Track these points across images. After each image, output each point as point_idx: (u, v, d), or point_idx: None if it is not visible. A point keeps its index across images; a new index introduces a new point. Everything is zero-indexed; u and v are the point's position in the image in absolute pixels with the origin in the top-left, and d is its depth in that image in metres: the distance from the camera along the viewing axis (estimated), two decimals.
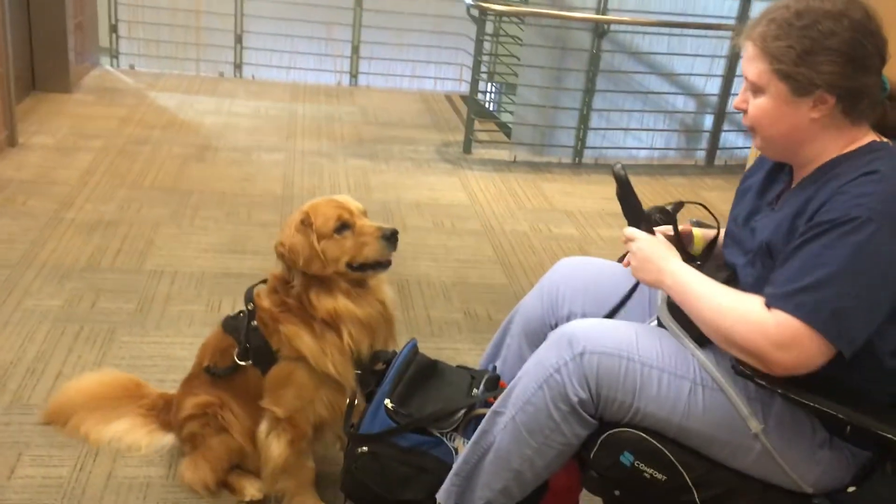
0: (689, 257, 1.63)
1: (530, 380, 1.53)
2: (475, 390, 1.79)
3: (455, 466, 1.65)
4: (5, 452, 2.19)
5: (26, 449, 2.22)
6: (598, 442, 1.49)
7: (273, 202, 4.18)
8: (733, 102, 1.56)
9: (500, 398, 1.59)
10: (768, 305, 1.36)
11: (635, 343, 1.49)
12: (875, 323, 1.33)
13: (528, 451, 1.53)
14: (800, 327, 1.32)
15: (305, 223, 1.86)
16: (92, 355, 2.70)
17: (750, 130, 1.51)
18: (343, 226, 1.86)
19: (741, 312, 1.38)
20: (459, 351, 2.87)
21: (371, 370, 1.88)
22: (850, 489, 1.43)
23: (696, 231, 1.74)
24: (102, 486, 2.14)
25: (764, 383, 1.37)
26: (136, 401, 2.32)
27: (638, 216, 1.62)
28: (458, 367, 1.94)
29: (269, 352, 1.89)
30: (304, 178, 4.59)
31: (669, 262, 1.53)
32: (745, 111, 1.50)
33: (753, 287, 1.46)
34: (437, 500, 1.69)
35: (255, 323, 1.93)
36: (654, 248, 1.55)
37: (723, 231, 1.72)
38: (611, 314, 1.72)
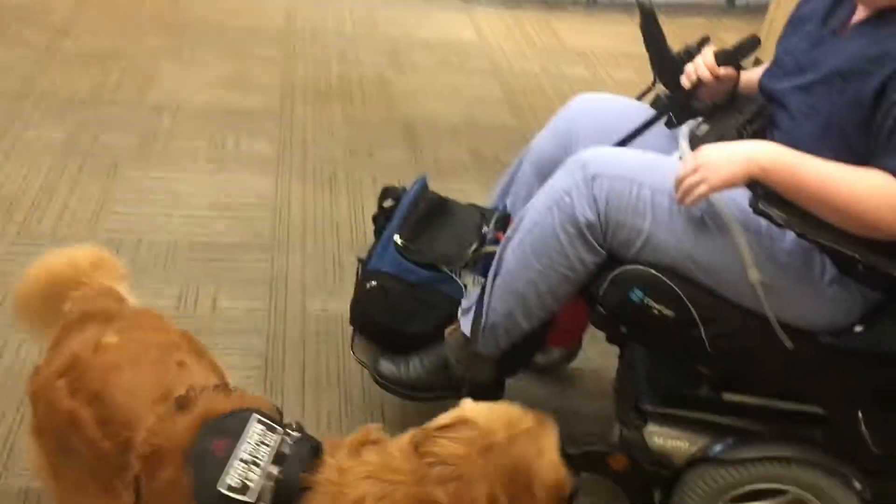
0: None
1: (541, 203, 1.52)
2: (485, 228, 1.78)
3: (469, 300, 1.66)
4: (7, 280, 2.21)
5: None
6: (608, 278, 1.49)
7: (275, 35, 4.02)
8: None
9: (511, 225, 1.58)
10: None
11: (649, 169, 1.46)
12: None
13: (533, 274, 1.53)
14: None
15: None
16: (96, 190, 2.69)
17: None
18: None
19: (888, 200, 1.29)
20: (467, 191, 2.85)
21: (380, 206, 1.86)
22: (858, 328, 1.44)
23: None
24: None
25: (781, 223, 1.34)
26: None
27: (662, 53, 1.54)
28: (468, 204, 1.92)
29: None
30: (308, 9, 4.40)
31: (751, 145, 1.37)
32: None
33: (806, 113, 1.41)
34: (445, 334, 1.73)
35: None
36: (719, 146, 1.39)
37: (749, 73, 1.64)
38: (624, 141, 1.66)
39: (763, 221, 1.40)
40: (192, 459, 1.11)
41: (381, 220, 1.84)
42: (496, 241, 1.71)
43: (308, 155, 3.05)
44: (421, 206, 1.81)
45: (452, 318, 1.72)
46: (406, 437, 1.14)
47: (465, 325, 1.67)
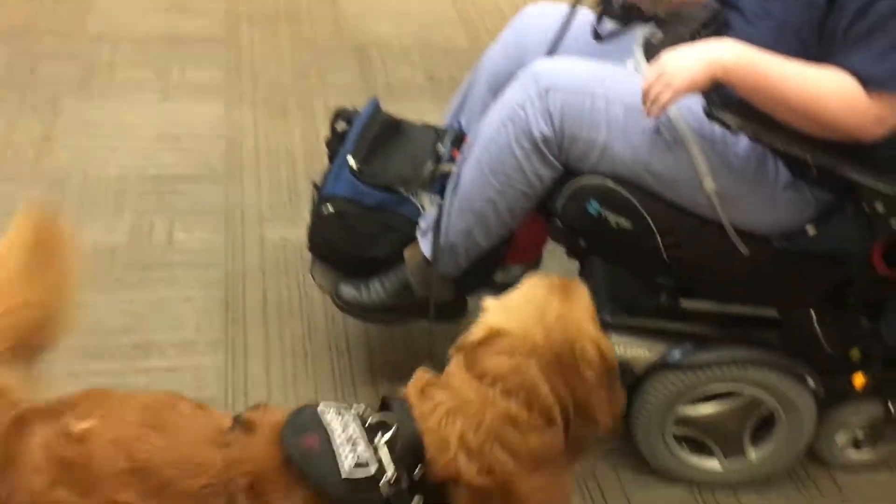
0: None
1: (495, 119, 1.50)
2: (440, 147, 1.75)
3: (427, 220, 1.65)
4: None
5: None
6: (565, 192, 1.48)
7: None
8: None
9: (467, 143, 1.56)
10: (870, 87, 1.30)
11: (603, 80, 1.45)
12: None
13: (491, 191, 1.52)
14: None
15: None
16: (37, 124, 2.59)
17: None
18: None
19: (847, 101, 1.30)
20: (421, 114, 2.76)
21: (332, 129, 1.82)
22: (810, 230, 1.46)
23: None
24: None
25: (735, 127, 1.34)
26: None
27: None
28: (422, 124, 1.88)
29: None
30: None
31: (712, 46, 1.34)
32: None
33: (760, 16, 1.41)
34: (404, 256, 1.72)
35: None
36: (678, 50, 1.35)
37: None
38: (555, 43, 1.62)
39: (717, 128, 1.40)
40: (296, 465, 1.05)
41: (335, 143, 1.80)
42: (452, 160, 1.69)
43: (257, 81, 2.97)
44: (374, 128, 1.77)
45: (411, 240, 1.71)
46: (455, 365, 1.15)
47: (425, 245, 1.66)
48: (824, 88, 1.32)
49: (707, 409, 1.66)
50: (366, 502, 1.05)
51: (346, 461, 1.05)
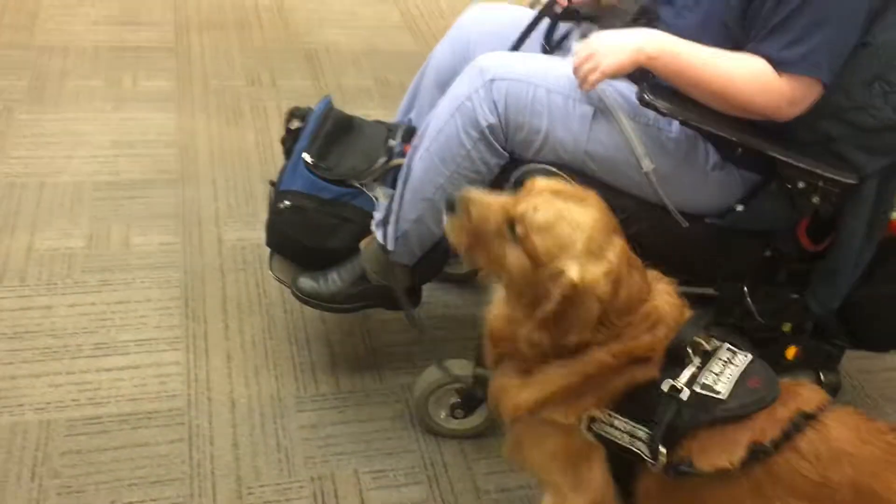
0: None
1: (443, 110, 1.58)
2: (392, 141, 1.82)
3: (382, 212, 1.72)
4: None
5: None
6: (511, 178, 1.57)
7: None
8: None
9: (416, 135, 1.64)
10: (780, 70, 1.41)
11: (544, 72, 1.54)
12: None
13: (441, 179, 1.59)
14: (811, 83, 1.41)
15: None
16: None
17: None
18: None
19: (759, 83, 1.41)
20: (372, 117, 2.84)
21: (287, 128, 1.88)
22: (738, 208, 1.57)
23: None
24: None
25: (666, 112, 1.44)
26: None
27: None
28: (374, 121, 1.96)
29: None
30: None
31: (639, 35, 1.46)
32: None
33: (689, 7, 1.52)
34: (360, 247, 1.78)
35: None
36: (609, 34, 1.47)
37: None
38: (516, 45, 1.73)
39: (651, 113, 1.50)
40: None
41: (290, 141, 1.86)
42: (403, 154, 1.76)
43: (209, 87, 3.01)
44: (328, 125, 1.84)
45: (367, 232, 1.77)
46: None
47: (380, 235, 1.73)
48: (739, 73, 1.44)
49: None
50: None
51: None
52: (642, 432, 1.20)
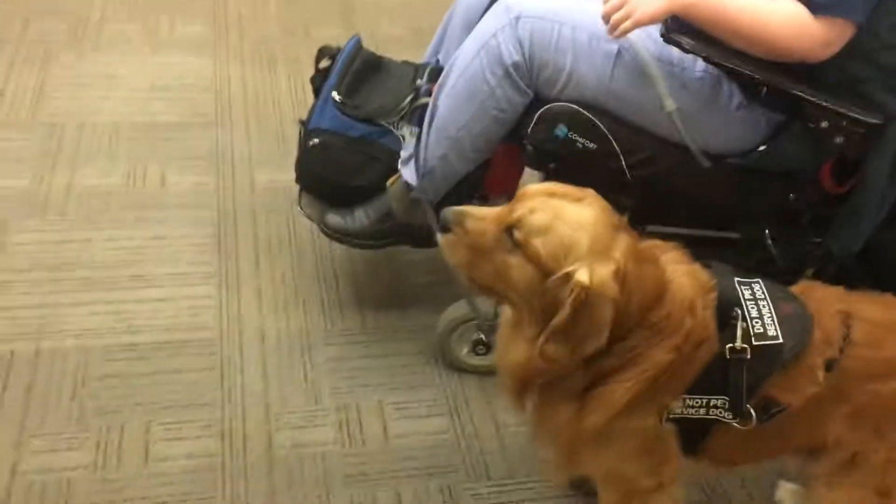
0: None
1: (469, 48, 1.60)
2: (419, 81, 1.84)
3: (408, 150, 1.75)
4: None
5: None
6: (535, 117, 1.59)
7: None
8: None
9: (443, 73, 1.66)
10: (817, 13, 1.40)
11: (571, 9, 1.55)
12: None
13: (465, 118, 1.62)
14: (845, 24, 1.41)
15: None
16: (32, 77, 2.67)
17: None
18: None
19: (795, 27, 1.41)
20: None
21: (316, 67, 1.91)
22: (762, 148, 1.57)
23: None
24: None
25: (690, 49, 1.45)
26: None
27: None
28: (402, 61, 1.98)
29: None
30: None
31: None
32: None
33: None
34: (387, 185, 1.82)
35: None
36: None
37: None
38: None
39: (675, 52, 1.50)
40: None
41: (319, 80, 1.89)
42: (430, 93, 1.78)
43: (244, 35, 3.05)
44: (356, 64, 1.87)
45: (393, 170, 1.81)
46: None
47: (406, 173, 1.76)
48: (775, 18, 1.43)
49: None
50: None
51: None
52: (720, 401, 1.20)
